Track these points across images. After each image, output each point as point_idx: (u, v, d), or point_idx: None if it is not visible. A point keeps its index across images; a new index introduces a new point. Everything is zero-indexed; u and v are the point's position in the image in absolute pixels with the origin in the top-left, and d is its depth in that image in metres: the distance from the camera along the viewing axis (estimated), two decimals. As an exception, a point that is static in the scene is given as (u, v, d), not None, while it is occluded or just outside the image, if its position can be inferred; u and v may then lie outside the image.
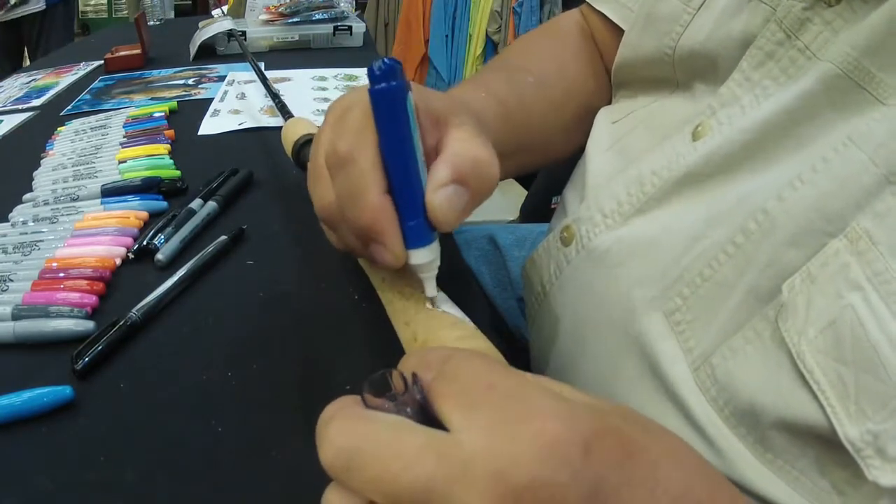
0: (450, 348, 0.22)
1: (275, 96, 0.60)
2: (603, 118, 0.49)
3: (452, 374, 0.19)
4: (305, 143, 0.45)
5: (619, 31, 0.49)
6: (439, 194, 0.26)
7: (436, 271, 0.28)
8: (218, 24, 1.03)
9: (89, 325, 0.39)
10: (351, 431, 0.18)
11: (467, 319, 0.27)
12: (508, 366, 0.20)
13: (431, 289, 0.28)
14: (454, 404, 0.19)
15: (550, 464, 0.17)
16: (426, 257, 0.27)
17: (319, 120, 0.48)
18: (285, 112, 0.55)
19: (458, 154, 0.26)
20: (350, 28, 1.09)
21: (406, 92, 0.25)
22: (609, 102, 0.51)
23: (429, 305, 0.28)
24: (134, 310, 0.40)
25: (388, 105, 0.25)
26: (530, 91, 0.48)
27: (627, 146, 0.44)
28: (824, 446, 0.28)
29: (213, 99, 0.81)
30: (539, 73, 0.50)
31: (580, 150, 0.49)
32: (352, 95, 0.29)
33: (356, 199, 0.26)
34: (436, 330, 0.27)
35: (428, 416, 0.19)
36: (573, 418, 0.18)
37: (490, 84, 0.46)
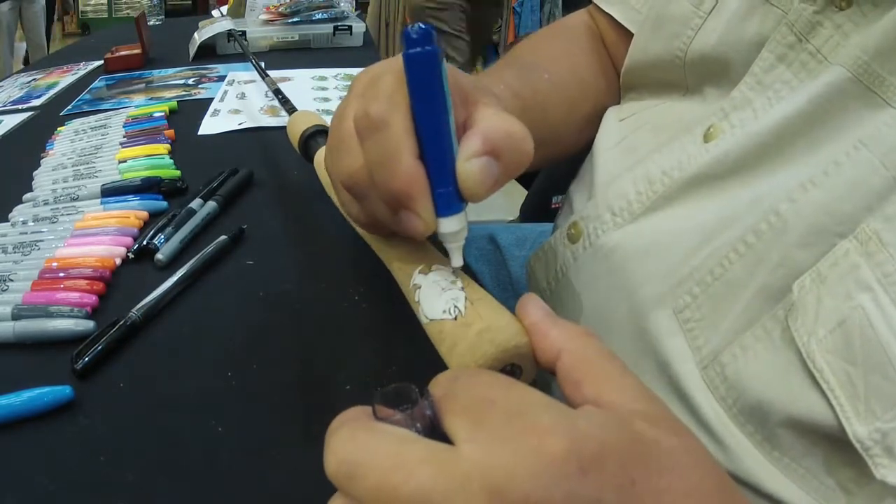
0: (459, 370, 0.22)
1: (276, 91, 0.60)
2: (611, 116, 0.49)
3: (458, 391, 0.20)
4: (312, 135, 0.44)
5: (626, 33, 0.49)
6: (472, 163, 0.25)
7: (463, 241, 0.28)
8: (218, 24, 1.03)
9: (89, 324, 0.39)
10: (354, 442, 0.18)
11: (490, 304, 0.27)
12: (515, 381, 0.20)
13: (458, 259, 0.28)
14: (458, 419, 0.19)
15: (546, 481, 0.17)
16: (455, 226, 0.27)
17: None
18: (288, 105, 0.54)
19: (491, 127, 0.26)
20: (350, 28, 1.09)
21: (441, 58, 0.25)
22: (618, 102, 0.51)
23: (458, 282, 0.27)
24: (134, 310, 0.40)
25: (424, 69, 0.25)
26: (545, 88, 0.48)
27: (634, 144, 0.44)
28: (832, 445, 0.28)
29: (213, 99, 0.81)
30: (552, 70, 0.49)
31: (586, 148, 0.49)
32: (380, 65, 0.29)
33: (389, 164, 0.26)
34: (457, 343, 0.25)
35: (437, 432, 0.19)
36: (574, 436, 0.17)
37: (505, 78, 0.46)
